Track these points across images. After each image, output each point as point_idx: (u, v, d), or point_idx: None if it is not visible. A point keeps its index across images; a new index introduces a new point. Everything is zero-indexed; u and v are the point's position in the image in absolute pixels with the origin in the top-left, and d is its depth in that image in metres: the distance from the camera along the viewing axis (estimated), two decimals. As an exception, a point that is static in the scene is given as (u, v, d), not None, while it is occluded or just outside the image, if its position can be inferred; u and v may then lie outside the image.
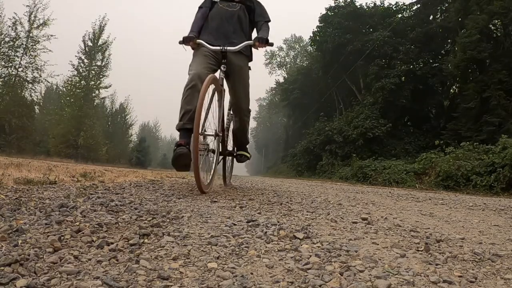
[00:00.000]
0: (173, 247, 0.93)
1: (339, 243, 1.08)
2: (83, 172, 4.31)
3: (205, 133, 2.52)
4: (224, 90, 2.81)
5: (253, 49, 2.89)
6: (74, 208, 1.38)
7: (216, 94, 2.63)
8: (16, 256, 0.74)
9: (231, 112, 3.24)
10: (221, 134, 2.75)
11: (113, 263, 0.78)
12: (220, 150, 3.02)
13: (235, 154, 3.28)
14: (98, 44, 28.59)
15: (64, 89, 29.86)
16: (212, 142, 2.75)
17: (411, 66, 19.99)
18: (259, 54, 60.35)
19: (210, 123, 2.60)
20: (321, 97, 27.97)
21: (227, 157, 3.50)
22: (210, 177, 2.74)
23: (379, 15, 23.49)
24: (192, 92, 2.37)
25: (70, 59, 40.24)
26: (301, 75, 33.04)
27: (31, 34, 23.73)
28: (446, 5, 20.01)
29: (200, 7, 2.92)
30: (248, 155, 3.27)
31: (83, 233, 1.00)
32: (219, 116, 2.71)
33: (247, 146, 3.37)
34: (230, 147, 3.36)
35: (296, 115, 35.45)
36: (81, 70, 28.16)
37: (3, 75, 23.31)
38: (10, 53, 23.09)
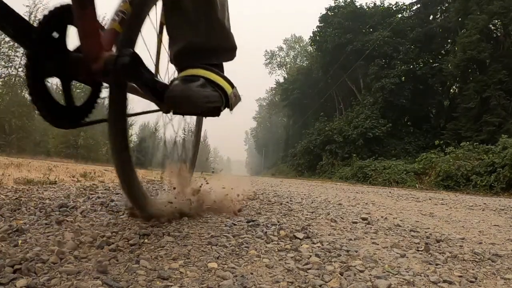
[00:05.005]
0: (173, 247, 0.93)
1: (339, 243, 1.08)
2: (83, 172, 4.31)
3: None
4: None
5: None
6: (74, 208, 1.38)
7: None
8: (18, 256, 0.74)
9: None
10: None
11: (113, 263, 0.78)
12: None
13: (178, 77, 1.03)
14: (98, 44, 28.60)
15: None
16: None
17: (411, 66, 20.02)
18: (259, 54, 60.38)
19: None
20: (321, 97, 28.00)
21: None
22: None
23: (379, 15, 23.52)
24: None
25: (70, 59, 40.22)
26: (301, 75, 33.07)
27: (31, 34, 23.75)
28: (446, 5, 20.04)
29: None
30: (229, 86, 1.01)
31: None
32: None
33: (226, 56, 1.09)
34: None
35: (296, 115, 35.44)
36: (81, 70, 28.18)
37: (3, 75, 23.33)
38: (10, 53, 23.11)
